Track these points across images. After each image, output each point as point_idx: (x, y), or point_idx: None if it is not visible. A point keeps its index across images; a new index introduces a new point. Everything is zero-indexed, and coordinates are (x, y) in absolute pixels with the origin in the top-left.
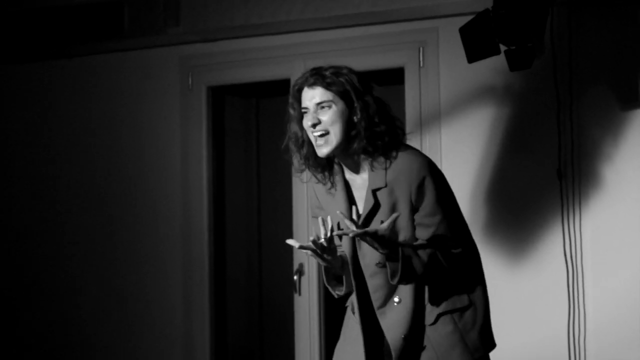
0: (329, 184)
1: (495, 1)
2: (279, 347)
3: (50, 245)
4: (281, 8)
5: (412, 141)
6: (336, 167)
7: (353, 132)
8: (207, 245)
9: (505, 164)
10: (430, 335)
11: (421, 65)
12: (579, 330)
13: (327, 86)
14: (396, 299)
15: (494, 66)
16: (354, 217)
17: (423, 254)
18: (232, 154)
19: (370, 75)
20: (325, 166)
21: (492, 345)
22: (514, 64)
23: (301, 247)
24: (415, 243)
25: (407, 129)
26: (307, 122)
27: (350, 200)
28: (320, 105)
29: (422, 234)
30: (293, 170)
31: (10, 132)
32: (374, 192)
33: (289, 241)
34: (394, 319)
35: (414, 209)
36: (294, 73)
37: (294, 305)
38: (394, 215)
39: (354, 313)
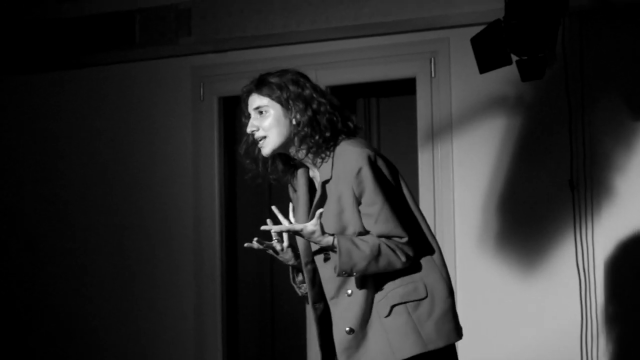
0: (294, 182)
1: (507, 11)
2: (290, 351)
3: (61, 253)
4: (292, 18)
5: (424, 152)
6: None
7: (291, 133)
8: (219, 253)
9: (517, 175)
10: (385, 327)
11: (433, 75)
12: (592, 341)
13: (261, 92)
14: (349, 291)
15: (505, 76)
16: (291, 214)
17: (365, 245)
18: (243, 163)
19: (382, 86)
20: (283, 169)
21: (453, 337)
22: (525, 74)
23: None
24: (361, 235)
25: (419, 139)
26: (247, 129)
27: (311, 199)
28: (258, 111)
29: (368, 225)
30: (250, 177)
31: (23, 141)
32: (323, 184)
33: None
34: (342, 311)
35: (359, 201)
36: None
37: (306, 310)
38: (318, 211)
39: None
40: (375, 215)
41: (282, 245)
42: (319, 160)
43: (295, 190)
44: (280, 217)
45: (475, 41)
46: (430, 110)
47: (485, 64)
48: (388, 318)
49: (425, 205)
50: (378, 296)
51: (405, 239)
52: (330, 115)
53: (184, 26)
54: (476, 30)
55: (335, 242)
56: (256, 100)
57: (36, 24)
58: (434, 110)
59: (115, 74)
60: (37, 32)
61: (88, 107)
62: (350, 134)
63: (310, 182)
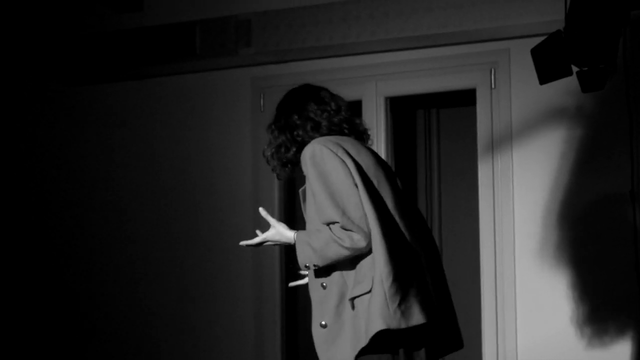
0: None
1: (568, 22)
2: None
3: (121, 261)
4: (352, 30)
5: (484, 163)
6: None
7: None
8: (279, 263)
9: (577, 186)
10: (351, 320)
11: (493, 86)
12: None
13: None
14: (323, 283)
15: (565, 87)
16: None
17: (316, 238)
18: (302, 173)
19: (442, 97)
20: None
21: (376, 327)
22: (586, 85)
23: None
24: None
25: (479, 150)
26: None
27: None
28: None
29: (317, 215)
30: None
31: (82, 152)
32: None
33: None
34: (318, 304)
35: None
36: (366, 94)
37: None
38: (260, 210)
39: None
40: (319, 204)
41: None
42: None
43: None
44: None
45: (536, 52)
46: (490, 121)
47: (545, 75)
48: (353, 311)
49: (485, 216)
50: (347, 290)
51: (338, 224)
52: (284, 131)
53: (244, 37)
54: (536, 41)
55: (295, 237)
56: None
57: (96, 35)
58: (494, 121)
59: (175, 85)
60: (97, 43)
61: (148, 118)
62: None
63: None
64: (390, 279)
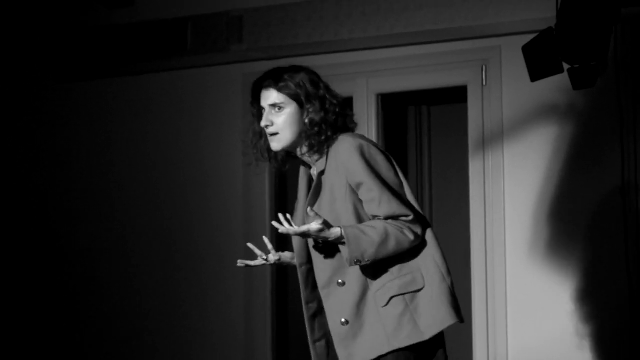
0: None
1: (559, 19)
2: None
3: (113, 257)
4: (344, 26)
5: (475, 159)
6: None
7: (302, 132)
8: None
9: (568, 183)
10: (382, 316)
11: (484, 83)
12: None
13: (280, 89)
14: (340, 280)
15: (557, 85)
16: (283, 218)
17: (371, 230)
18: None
19: (433, 94)
20: (283, 159)
21: (447, 321)
22: (577, 82)
23: (248, 266)
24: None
25: (470, 147)
26: (262, 122)
27: (308, 193)
28: (274, 107)
29: (372, 210)
30: (245, 161)
31: (75, 148)
32: (319, 175)
33: (239, 263)
34: (336, 302)
35: (353, 190)
36: (357, 91)
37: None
38: (308, 210)
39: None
40: (378, 198)
41: (270, 258)
42: (317, 156)
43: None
44: (285, 224)
45: (527, 49)
46: (482, 118)
47: (536, 72)
48: (385, 308)
49: (476, 213)
50: (374, 286)
51: (411, 217)
52: (337, 116)
53: (235, 33)
54: (528, 38)
55: (343, 233)
56: (274, 96)
57: (88, 31)
58: (485, 118)
59: (166, 81)
60: (89, 40)
61: (140, 115)
62: (349, 130)
63: (310, 179)
64: (450, 274)
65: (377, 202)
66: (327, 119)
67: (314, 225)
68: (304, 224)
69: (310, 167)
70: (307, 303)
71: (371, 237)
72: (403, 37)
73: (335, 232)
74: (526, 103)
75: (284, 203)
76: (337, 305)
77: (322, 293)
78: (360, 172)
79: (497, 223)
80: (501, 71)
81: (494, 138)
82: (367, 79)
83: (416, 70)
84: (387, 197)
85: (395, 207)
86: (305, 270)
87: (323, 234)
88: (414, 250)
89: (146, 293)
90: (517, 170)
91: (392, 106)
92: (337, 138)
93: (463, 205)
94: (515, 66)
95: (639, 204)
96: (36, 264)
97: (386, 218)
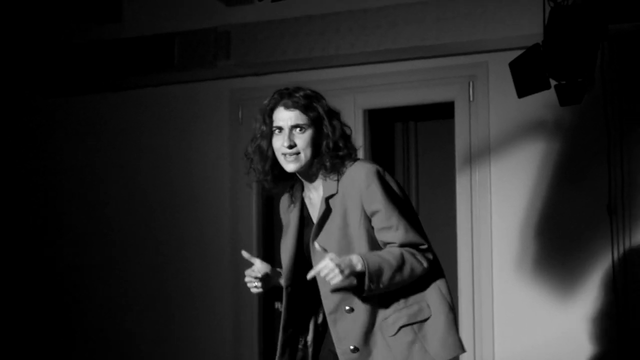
0: (289, 202)
1: (546, 36)
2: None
3: (102, 266)
4: (331, 42)
5: (462, 175)
6: (297, 185)
7: (318, 153)
8: None
9: (555, 199)
10: (390, 345)
11: (471, 99)
12: None
13: (305, 110)
14: (347, 307)
15: (543, 101)
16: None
17: (389, 256)
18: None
19: (420, 110)
20: (284, 181)
21: (457, 350)
22: (564, 98)
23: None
24: (384, 248)
25: (457, 162)
26: (281, 141)
27: (302, 220)
28: (296, 128)
29: (388, 237)
30: (248, 180)
31: (63, 162)
32: (327, 199)
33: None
34: (344, 329)
35: (367, 217)
36: (344, 106)
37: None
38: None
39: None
40: (395, 226)
41: (257, 265)
42: (328, 178)
43: (291, 202)
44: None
45: (514, 65)
46: (469, 134)
47: (523, 88)
48: (394, 337)
49: (463, 228)
50: (382, 314)
51: (426, 245)
52: (347, 139)
53: (223, 49)
54: (515, 54)
55: (364, 262)
56: (298, 118)
57: (75, 47)
58: (472, 134)
59: (154, 96)
60: (76, 55)
61: (127, 129)
62: (354, 156)
63: (303, 204)
64: (448, 306)
65: (394, 230)
66: (346, 142)
67: (330, 263)
68: (297, 248)
69: (301, 191)
70: (286, 328)
71: (390, 264)
72: (390, 53)
73: (356, 262)
74: (513, 119)
75: (270, 213)
76: (345, 332)
77: (329, 318)
78: (378, 199)
79: (484, 238)
80: (488, 87)
81: (480, 153)
82: (354, 95)
83: (403, 86)
84: (403, 225)
85: (412, 236)
86: (288, 293)
87: (347, 268)
88: (421, 279)
89: (133, 300)
90: (504, 185)
91: (379, 122)
92: (350, 163)
93: (450, 221)
94: (502, 82)
95: (626, 219)
96: (22, 271)
97: (401, 246)
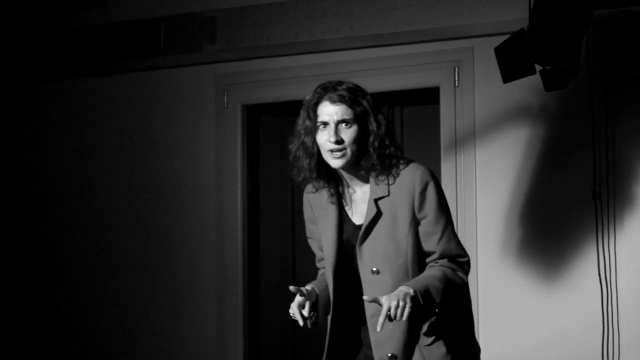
0: (327, 196)
1: (531, 21)
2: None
3: (85, 257)
4: (317, 27)
5: (447, 160)
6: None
7: (364, 150)
8: (242, 262)
9: (540, 184)
10: (425, 355)
11: (456, 84)
12: (613, 351)
13: (351, 105)
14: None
15: (529, 86)
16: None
17: (434, 280)
18: (266, 172)
19: (405, 95)
20: (327, 178)
21: (478, 355)
22: (549, 84)
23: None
24: (428, 267)
25: (442, 148)
26: (327, 136)
27: (340, 216)
28: (342, 123)
29: (430, 244)
30: (294, 176)
31: (48, 148)
32: (376, 201)
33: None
34: (385, 335)
35: (415, 219)
36: None
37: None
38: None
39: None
40: (440, 233)
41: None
42: (378, 178)
43: (330, 196)
44: (380, 322)
45: (499, 51)
46: (454, 119)
47: (509, 74)
48: (429, 347)
49: None
50: (421, 326)
51: (466, 258)
52: (392, 135)
53: (208, 34)
54: (500, 39)
55: (415, 292)
56: (344, 112)
57: (61, 31)
58: (457, 119)
59: (139, 81)
60: (62, 39)
61: (113, 114)
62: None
63: (340, 203)
64: (470, 316)
65: (438, 237)
66: (392, 139)
67: (394, 302)
68: (338, 245)
69: (336, 186)
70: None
71: (437, 288)
72: (376, 38)
73: (404, 289)
74: (498, 104)
75: (256, 202)
76: (385, 340)
77: (370, 322)
78: (432, 205)
79: (469, 223)
80: (473, 72)
81: (466, 139)
82: (339, 80)
83: (389, 71)
84: (448, 234)
85: (454, 247)
86: (334, 295)
87: (405, 296)
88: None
89: (117, 294)
90: (489, 170)
91: None
92: (403, 164)
93: None
94: (487, 67)
95: (610, 204)
96: (6, 265)
97: (442, 255)
